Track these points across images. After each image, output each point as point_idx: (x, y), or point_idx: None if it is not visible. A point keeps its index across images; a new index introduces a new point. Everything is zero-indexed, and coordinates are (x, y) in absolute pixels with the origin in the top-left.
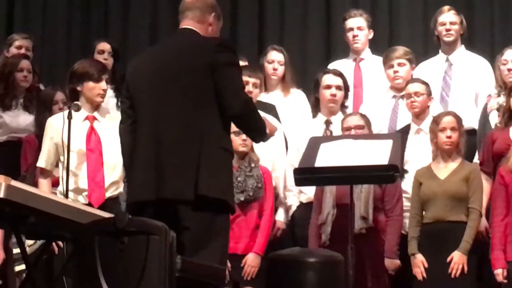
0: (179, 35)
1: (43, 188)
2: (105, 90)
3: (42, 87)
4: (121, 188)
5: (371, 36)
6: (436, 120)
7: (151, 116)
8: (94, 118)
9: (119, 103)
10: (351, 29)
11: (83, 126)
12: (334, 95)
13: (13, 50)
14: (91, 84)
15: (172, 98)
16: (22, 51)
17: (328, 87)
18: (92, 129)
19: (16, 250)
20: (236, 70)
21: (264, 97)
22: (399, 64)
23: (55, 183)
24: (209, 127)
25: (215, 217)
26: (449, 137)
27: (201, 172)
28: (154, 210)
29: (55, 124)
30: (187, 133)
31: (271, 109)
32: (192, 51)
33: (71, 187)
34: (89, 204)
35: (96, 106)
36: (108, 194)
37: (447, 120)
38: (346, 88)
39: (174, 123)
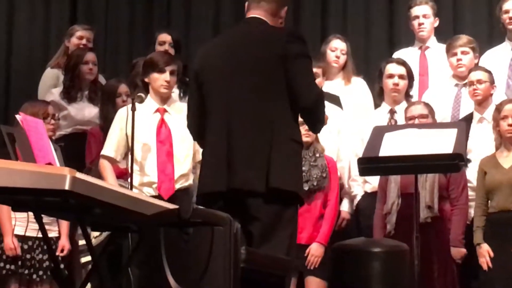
0: (248, 24)
1: (106, 170)
2: (168, 82)
3: (102, 78)
4: (190, 180)
5: (436, 24)
6: (498, 108)
7: (222, 107)
8: (165, 111)
9: (181, 94)
10: (417, 17)
11: (154, 118)
12: (397, 84)
13: (74, 41)
14: (155, 75)
15: (243, 88)
16: (84, 41)
17: (391, 76)
18: (162, 121)
19: (82, 242)
20: (307, 61)
21: (324, 86)
22: (463, 52)
23: (122, 175)
24: (279, 118)
25: (284, 209)
26: (511, 125)
27: (272, 163)
28: (224, 201)
29: (125, 116)
30: (258, 124)
31: (335, 100)
32: (263, 41)
33: (141, 179)
34: (159, 196)
35: (166, 98)
36: (177, 186)
37: (509, 108)
38: (410, 77)
39: (245, 113)
